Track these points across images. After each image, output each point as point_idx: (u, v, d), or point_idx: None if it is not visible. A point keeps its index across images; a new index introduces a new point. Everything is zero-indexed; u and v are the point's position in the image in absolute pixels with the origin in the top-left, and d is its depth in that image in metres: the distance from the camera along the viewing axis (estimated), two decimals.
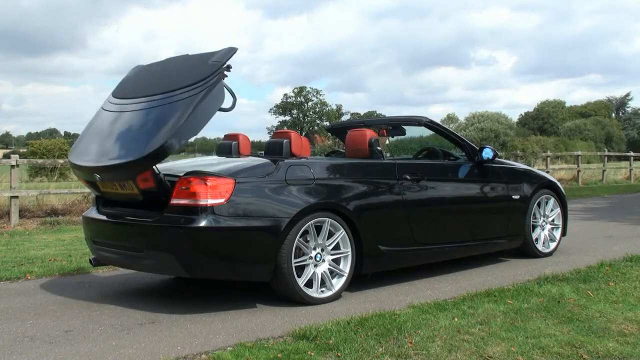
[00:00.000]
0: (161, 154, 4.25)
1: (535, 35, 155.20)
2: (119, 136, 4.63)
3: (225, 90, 4.60)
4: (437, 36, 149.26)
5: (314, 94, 75.68)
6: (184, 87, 4.48)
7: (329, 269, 4.73)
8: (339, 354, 3.39)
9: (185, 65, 4.91)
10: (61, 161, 12.05)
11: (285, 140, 4.97)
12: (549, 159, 20.89)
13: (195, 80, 4.46)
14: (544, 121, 69.92)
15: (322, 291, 4.66)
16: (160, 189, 4.46)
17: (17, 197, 10.11)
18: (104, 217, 4.92)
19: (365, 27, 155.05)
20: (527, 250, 6.38)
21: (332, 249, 4.75)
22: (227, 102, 4.69)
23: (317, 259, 4.67)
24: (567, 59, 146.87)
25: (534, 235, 6.39)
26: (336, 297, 4.72)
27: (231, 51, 4.67)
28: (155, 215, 4.48)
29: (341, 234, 4.74)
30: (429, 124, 5.84)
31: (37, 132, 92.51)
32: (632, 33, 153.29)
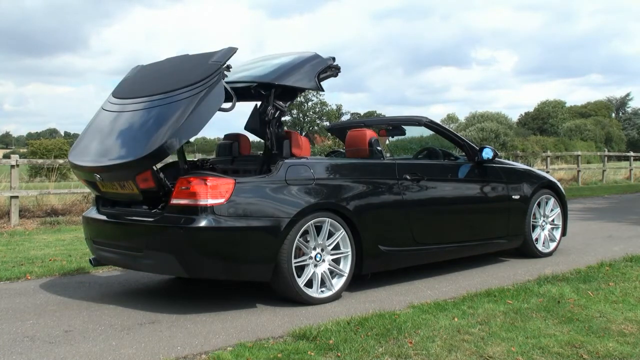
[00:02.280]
0: (161, 153, 4.25)
1: (536, 35, 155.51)
2: (118, 136, 4.64)
3: (225, 90, 4.59)
4: (439, 36, 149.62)
5: (314, 94, 75.70)
6: (184, 87, 4.48)
7: (329, 269, 4.73)
8: (339, 354, 3.39)
9: (185, 65, 4.91)
10: (61, 161, 12.04)
11: (285, 141, 4.97)
12: (548, 159, 20.89)
13: (195, 80, 4.46)
14: (544, 121, 69.84)
15: (322, 291, 4.66)
16: (160, 188, 4.46)
17: (17, 197, 10.10)
18: (104, 217, 4.92)
19: (367, 27, 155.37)
20: (527, 250, 6.38)
21: (332, 249, 4.75)
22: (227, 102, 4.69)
23: (317, 259, 4.67)
24: (569, 59, 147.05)
25: (534, 235, 6.39)
26: (336, 297, 4.72)
27: (231, 51, 4.67)
28: (155, 215, 4.48)
29: (341, 234, 4.74)
30: (429, 124, 5.84)
31: (37, 132, 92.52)
32: (634, 33, 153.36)
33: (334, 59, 5.03)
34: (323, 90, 4.94)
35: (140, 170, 4.33)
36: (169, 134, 4.21)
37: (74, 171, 5.03)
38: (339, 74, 5.06)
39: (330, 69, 5.00)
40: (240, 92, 4.94)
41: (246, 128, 4.94)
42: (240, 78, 5.04)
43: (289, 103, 4.85)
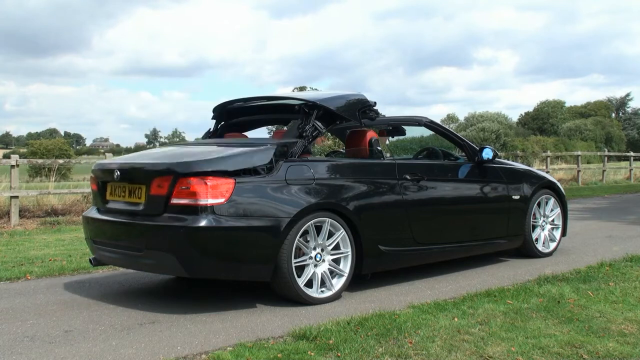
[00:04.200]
0: (190, 167, 4.34)
1: (538, 35, 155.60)
2: (161, 155, 5.01)
3: None
4: (440, 36, 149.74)
5: None
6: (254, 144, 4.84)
7: (329, 269, 4.73)
8: (339, 354, 3.39)
9: None
10: (61, 161, 12.06)
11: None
12: (548, 159, 20.91)
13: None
14: (544, 121, 69.81)
15: (322, 291, 4.66)
16: (167, 198, 4.44)
17: (17, 197, 10.10)
18: (104, 217, 4.92)
19: (369, 27, 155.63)
20: (527, 250, 6.38)
21: (332, 249, 4.75)
22: None
23: (317, 259, 4.67)
24: (570, 59, 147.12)
25: (534, 235, 6.39)
26: (336, 297, 4.72)
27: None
28: (155, 214, 4.48)
29: (341, 234, 4.74)
30: (429, 124, 5.84)
31: (37, 132, 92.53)
32: (635, 33, 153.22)
33: (375, 103, 5.40)
34: (362, 125, 5.35)
35: (160, 174, 4.41)
36: (210, 157, 4.44)
37: (93, 173, 5.15)
38: (376, 118, 5.43)
39: (371, 110, 5.36)
40: (288, 108, 5.57)
41: (282, 137, 5.10)
42: (292, 95, 5.61)
43: (326, 128, 5.13)
